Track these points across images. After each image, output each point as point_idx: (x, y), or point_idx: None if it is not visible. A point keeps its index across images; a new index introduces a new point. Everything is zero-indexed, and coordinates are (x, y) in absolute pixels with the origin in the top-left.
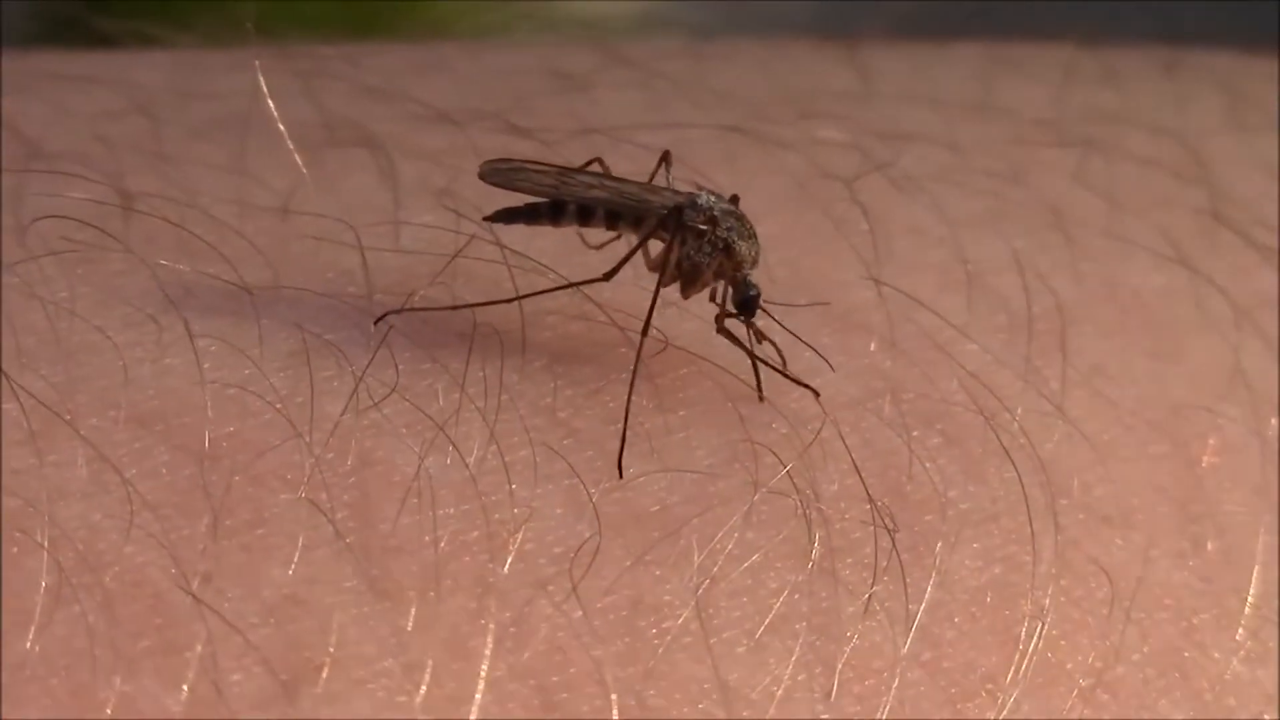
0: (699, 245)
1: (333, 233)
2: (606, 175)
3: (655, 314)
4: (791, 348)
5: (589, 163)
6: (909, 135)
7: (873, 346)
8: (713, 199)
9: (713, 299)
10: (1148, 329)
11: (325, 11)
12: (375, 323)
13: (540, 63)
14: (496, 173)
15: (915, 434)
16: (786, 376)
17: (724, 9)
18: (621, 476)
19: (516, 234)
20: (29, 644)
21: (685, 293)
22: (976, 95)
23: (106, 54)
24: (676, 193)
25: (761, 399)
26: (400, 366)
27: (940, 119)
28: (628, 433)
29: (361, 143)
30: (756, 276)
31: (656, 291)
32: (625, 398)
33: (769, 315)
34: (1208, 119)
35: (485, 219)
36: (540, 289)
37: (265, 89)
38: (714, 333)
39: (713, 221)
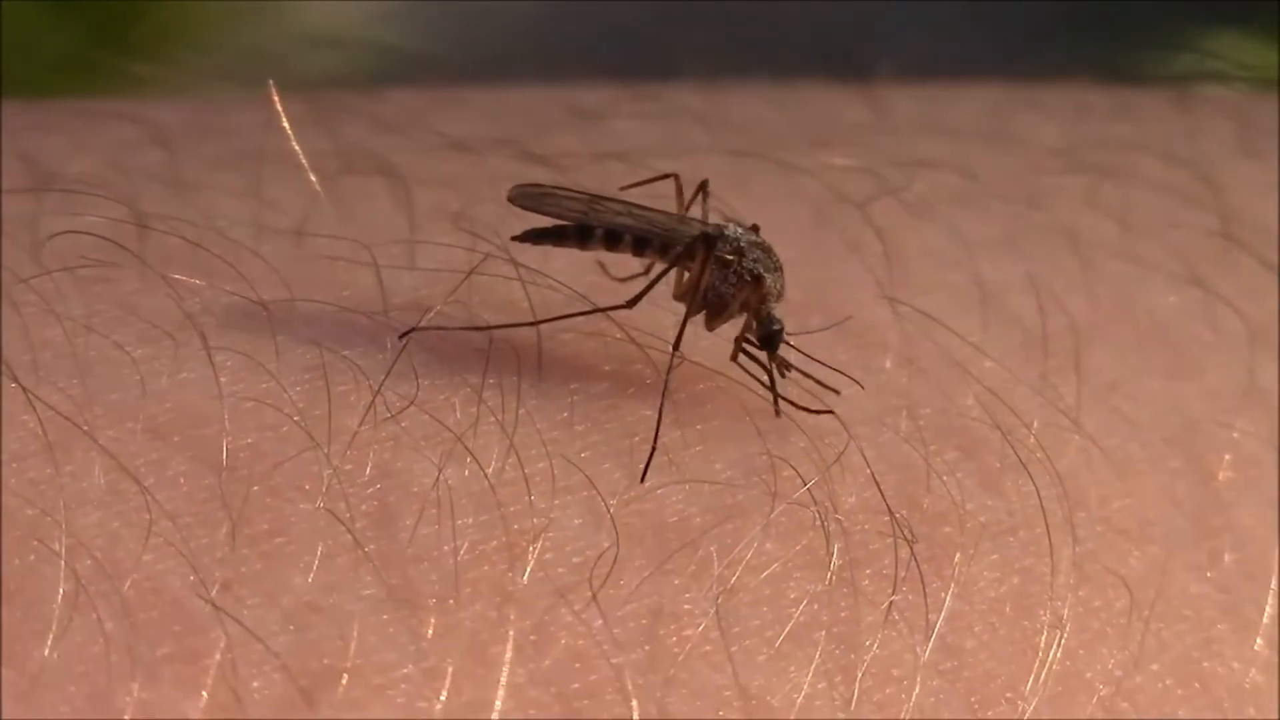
0: (725, 276)
1: (349, 253)
2: (635, 204)
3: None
4: (809, 363)
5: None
6: (923, 162)
7: (889, 364)
8: (740, 230)
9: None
10: (1162, 347)
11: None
12: (401, 337)
13: (558, 99)
14: (526, 196)
15: (932, 448)
16: (800, 408)
17: (737, 45)
18: (644, 481)
19: (533, 252)
20: (47, 651)
21: (710, 324)
22: (990, 127)
23: (124, 98)
24: (705, 224)
25: (778, 414)
26: (418, 380)
27: (954, 148)
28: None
29: (377, 170)
30: (780, 311)
31: (685, 319)
32: (641, 411)
33: (789, 345)
34: (1218, 146)
35: (513, 238)
36: (562, 312)
37: (282, 116)
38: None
39: (740, 253)
